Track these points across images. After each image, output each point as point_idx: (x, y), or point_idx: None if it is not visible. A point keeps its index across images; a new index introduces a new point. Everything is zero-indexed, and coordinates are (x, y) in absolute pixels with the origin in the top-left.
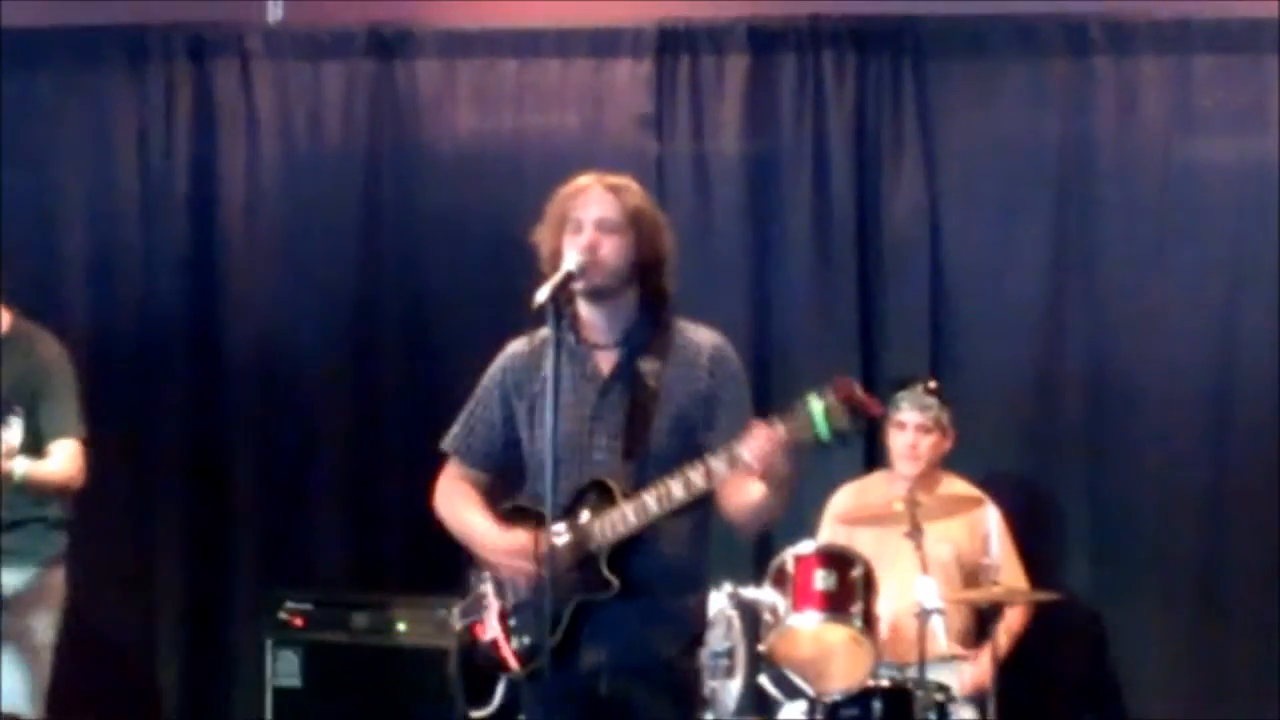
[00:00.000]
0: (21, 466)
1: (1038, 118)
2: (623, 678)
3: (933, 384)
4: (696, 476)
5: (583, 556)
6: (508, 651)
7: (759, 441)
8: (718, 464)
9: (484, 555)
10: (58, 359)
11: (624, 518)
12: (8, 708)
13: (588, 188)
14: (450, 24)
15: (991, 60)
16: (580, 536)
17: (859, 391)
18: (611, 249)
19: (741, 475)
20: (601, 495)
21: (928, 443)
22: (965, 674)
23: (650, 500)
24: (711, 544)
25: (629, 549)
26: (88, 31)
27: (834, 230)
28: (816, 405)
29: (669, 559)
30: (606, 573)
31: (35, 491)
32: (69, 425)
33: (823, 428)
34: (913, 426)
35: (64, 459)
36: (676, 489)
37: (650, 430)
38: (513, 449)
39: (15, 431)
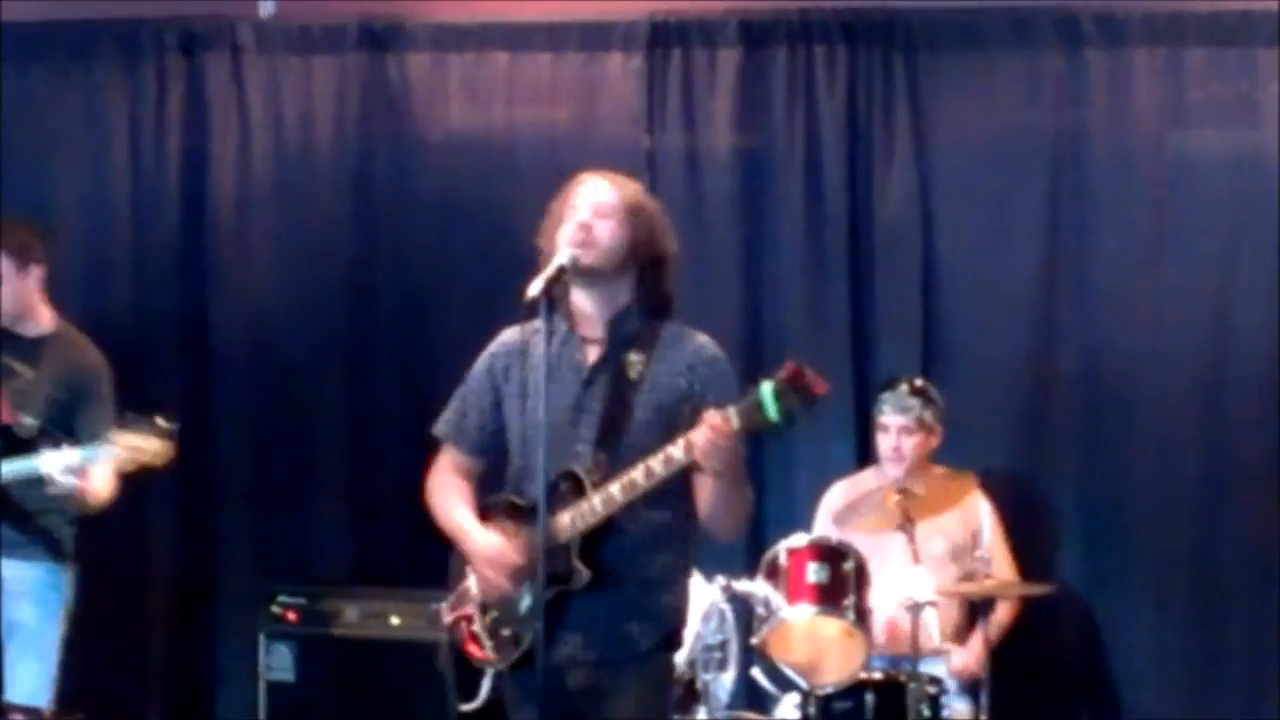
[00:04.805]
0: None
1: (1030, 110)
2: (595, 669)
3: (917, 383)
4: (656, 464)
5: (554, 548)
6: (489, 644)
7: (707, 429)
8: (676, 451)
9: (466, 555)
10: (100, 365)
11: (592, 508)
12: (21, 698)
13: (586, 178)
14: (441, 17)
15: (983, 53)
16: (551, 528)
17: (806, 372)
18: (605, 230)
19: (697, 467)
20: (573, 486)
21: (911, 443)
22: (955, 659)
23: (616, 490)
24: (698, 545)
25: (600, 540)
26: (80, 25)
27: (826, 224)
28: (766, 389)
29: (642, 551)
30: (577, 563)
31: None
32: (106, 433)
33: (773, 410)
34: (895, 429)
35: (108, 475)
36: (639, 476)
37: (630, 423)
38: (502, 435)
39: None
